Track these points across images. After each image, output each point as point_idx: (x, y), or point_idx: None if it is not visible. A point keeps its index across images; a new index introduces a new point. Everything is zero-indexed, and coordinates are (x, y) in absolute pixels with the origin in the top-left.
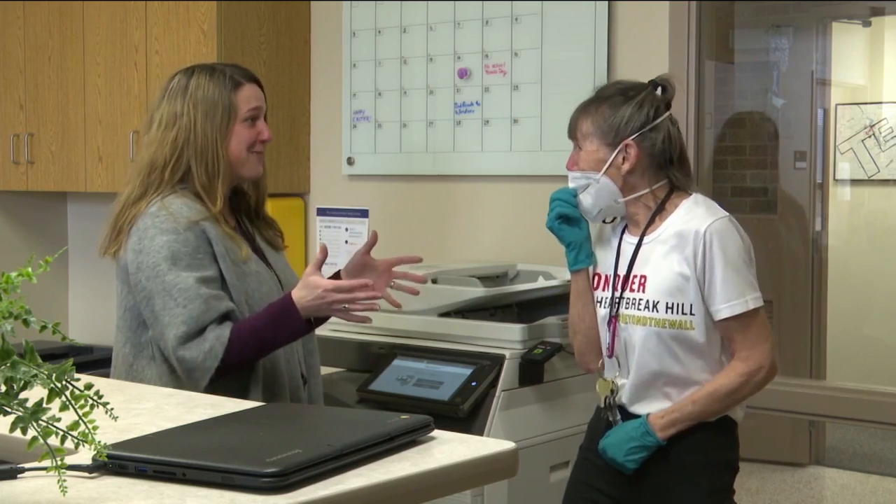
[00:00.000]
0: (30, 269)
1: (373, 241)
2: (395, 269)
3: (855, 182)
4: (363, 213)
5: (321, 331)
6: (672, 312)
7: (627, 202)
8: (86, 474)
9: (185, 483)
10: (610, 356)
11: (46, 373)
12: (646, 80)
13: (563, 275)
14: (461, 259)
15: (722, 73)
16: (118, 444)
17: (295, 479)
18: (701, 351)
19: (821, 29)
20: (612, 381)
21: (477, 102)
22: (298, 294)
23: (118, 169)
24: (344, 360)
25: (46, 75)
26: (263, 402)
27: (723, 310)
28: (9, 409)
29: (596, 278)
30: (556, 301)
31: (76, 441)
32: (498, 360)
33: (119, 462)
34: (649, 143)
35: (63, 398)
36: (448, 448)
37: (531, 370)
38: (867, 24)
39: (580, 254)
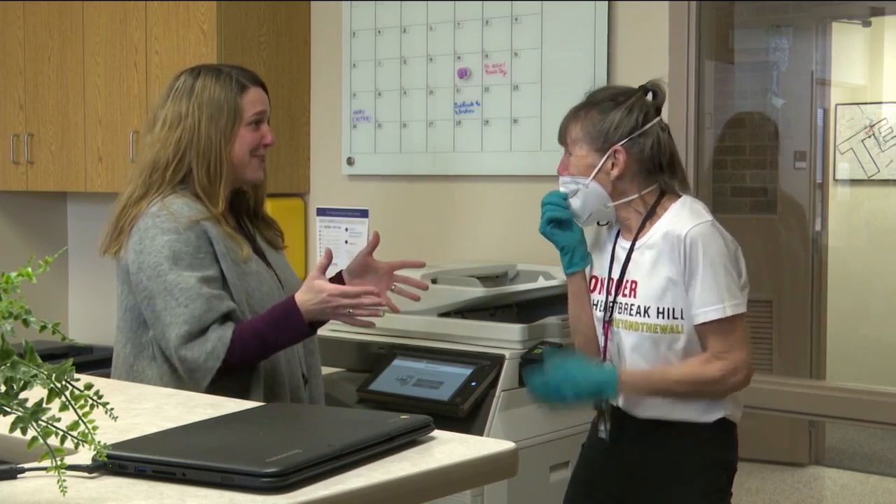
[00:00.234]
0: (30, 269)
1: (375, 242)
2: (398, 272)
3: (855, 182)
4: (363, 214)
5: (321, 331)
6: (663, 318)
7: (617, 207)
8: (85, 474)
9: (184, 483)
10: (603, 360)
11: (46, 373)
12: (645, 81)
13: (562, 275)
14: (461, 259)
15: (722, 73)
16: (118, 445)
17: (295, 479)
18: (693, 354)
19: (821, 29)
20: (602, 404)
21: (477, 102)
22: (302, 297)
23: (118, 169)
24: (344, 360)
25: (46, 75)
26: (264, 402)
27: (699, 314)
28: (9, 409)
29: (592, 280)
30: (555, 301)
31: (76, 441)
32: (498, 360)
33: (119, 462)
34: (638, 148)
35: (63, 398)
36: (448, 448)
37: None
38: (867, 24)
39: (574, 257)
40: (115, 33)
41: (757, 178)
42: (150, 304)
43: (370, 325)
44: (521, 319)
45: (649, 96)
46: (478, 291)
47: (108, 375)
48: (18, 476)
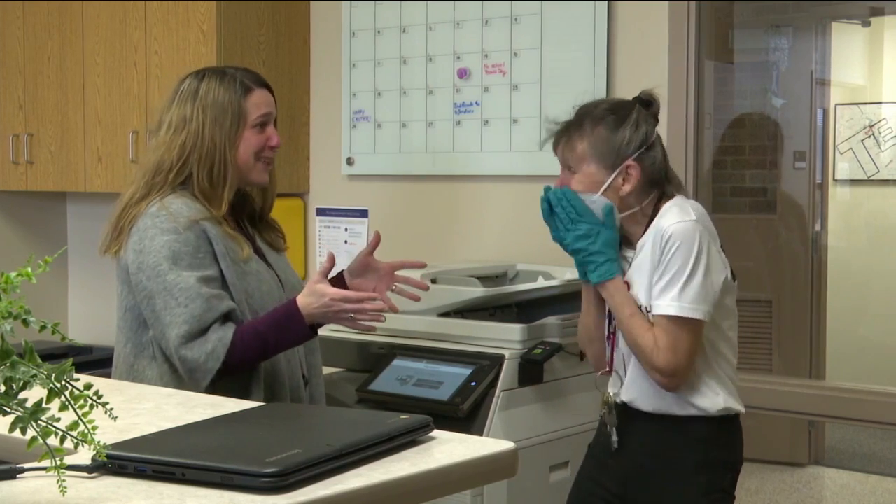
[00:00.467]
0: (29, 269)
1: (375, 242)
2: (398, 273)
3: (854, 182)
4: (363, 214)
5: (320, 331)
6: None
7: (622, 220)
8: (85, 474)
9: (184, 483)
10: (610, 371)
11: (46, 373)
12: (645, 81)
13: (562, 275)
14: (461, 259)
15: (721, 73)
16: (117, 445)
17: (294, 479)
18: (699, 354)
19: (820, 29)
20: (610, 396)
21: (476, 102)
22: (304, 301)
23: (117, 169)
24: (343, 360)
25: (46, 75)
26: (264, 402)
27: (652, 306)
28: (8, 409)
29: None
30: (555, 301)
31: (75, 441)
32: (497, 360)
33: (118, 462)
34: (649, 161)
35: (62, 398)
36: (447, 448)
37: (531, 370)
38: (867, 24)
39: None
40: (114, 33)
41: (757, 178)
42: (149, 304)
43: (372, 329)
44: (521, 319)
45: (647, 106)
46: (477, 291)
47: (108, 375)
48: (18, 476)
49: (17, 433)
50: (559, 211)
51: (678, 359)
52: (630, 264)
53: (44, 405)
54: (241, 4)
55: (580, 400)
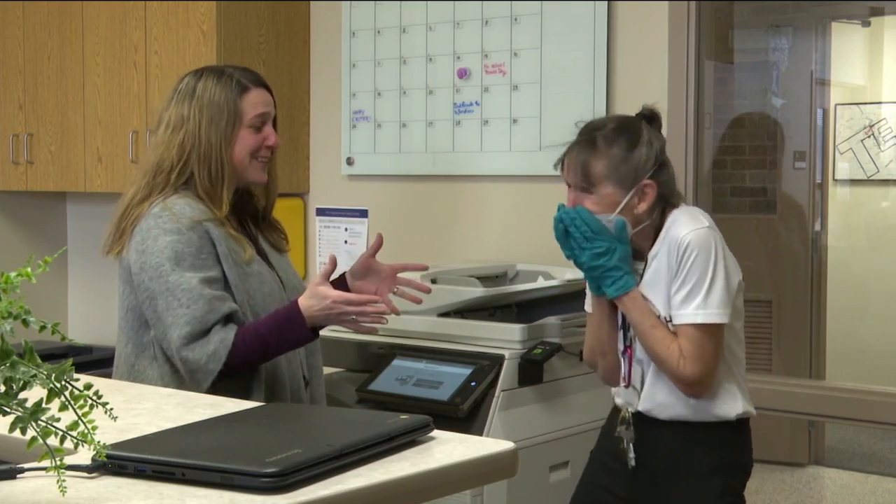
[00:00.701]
0: (29, 269)
1: (378, 244)
2: (400, 275)
3: (854, 182)
4: (363, 214)
5: (321, 331)
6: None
7: (633, 235)
8: (85, 474)
9: (184, 483)
10: (627, 386)
11: (46, 373)
12: (644, 80)
13: (562, 275)
14: (461, 259)
15: (721, 73)
16: (117, 445)
17: (294, 479)
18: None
19: (820, 29)
20: (626, 410)
21: (476, 102)
22: (306, 303)
23: (117, 169)
24: (343, 360)
25: (46, 75)
26: (265, 402)
27: (674, 316)
28: (8, 409)
29: None
30: (555, 301)
31: (75, 441)
32: (497, 360)
33: (118, 462)
34: (664, 178)
35: (62, 398)
36: (447, 448)
37: (531, 370)
38: (866, 24)
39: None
40: (114, 33)
41: (757, 178)
42: (151, 305)
43: (373, 331)
44: (521, 319)
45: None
46: (477, 291)
47: (108, 375)
48: (18, 476)
49: (17, 433)
50: (573, 231)
51: (706, 366)
52: (641, 277)
53: (44, 405)
54: (241, 4)
55: (580, 400)
